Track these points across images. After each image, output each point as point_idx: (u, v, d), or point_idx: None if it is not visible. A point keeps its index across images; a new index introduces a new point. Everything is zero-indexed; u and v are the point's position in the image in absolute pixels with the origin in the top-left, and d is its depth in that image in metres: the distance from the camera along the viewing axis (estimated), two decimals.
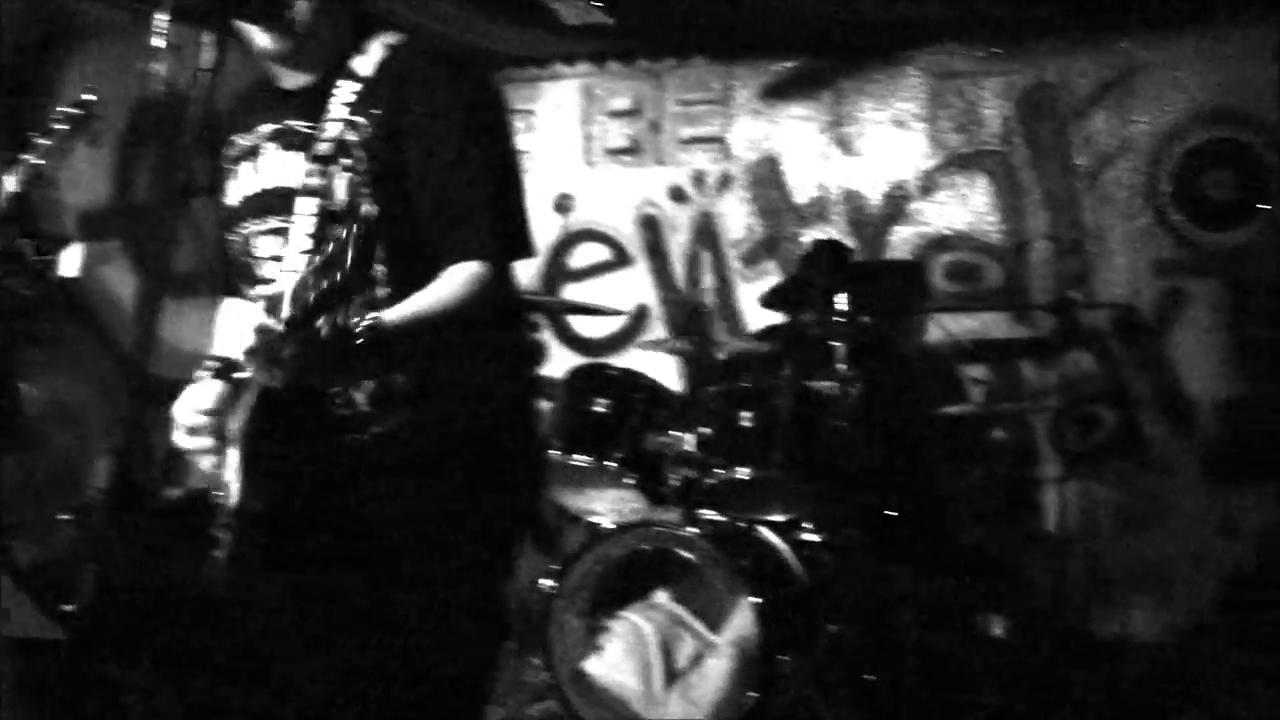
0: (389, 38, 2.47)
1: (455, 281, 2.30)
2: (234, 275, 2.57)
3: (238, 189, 2.51)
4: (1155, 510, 5.76)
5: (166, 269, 2.22)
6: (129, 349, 2.26)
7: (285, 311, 2.00)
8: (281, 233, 2.42)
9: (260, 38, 2.38)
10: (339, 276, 1.87)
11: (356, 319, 1.93)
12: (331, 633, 2.44)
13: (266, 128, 2.48)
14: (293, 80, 2.48)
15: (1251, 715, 4.45)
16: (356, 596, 2.42)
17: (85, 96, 4.09)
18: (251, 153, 2.49)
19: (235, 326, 2.75)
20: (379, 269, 2.32)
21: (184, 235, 2.63)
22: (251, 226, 2.48)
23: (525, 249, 2.47)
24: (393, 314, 2.21)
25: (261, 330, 2.07)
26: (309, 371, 2.13)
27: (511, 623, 5.24)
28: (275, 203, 2.43)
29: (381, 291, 2.30)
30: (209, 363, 2.67)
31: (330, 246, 1.87)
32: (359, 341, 1.96)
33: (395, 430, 2.30)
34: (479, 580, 2.51)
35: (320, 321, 1.92)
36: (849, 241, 6.04)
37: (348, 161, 2.33)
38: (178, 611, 2.70)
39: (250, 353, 2.10)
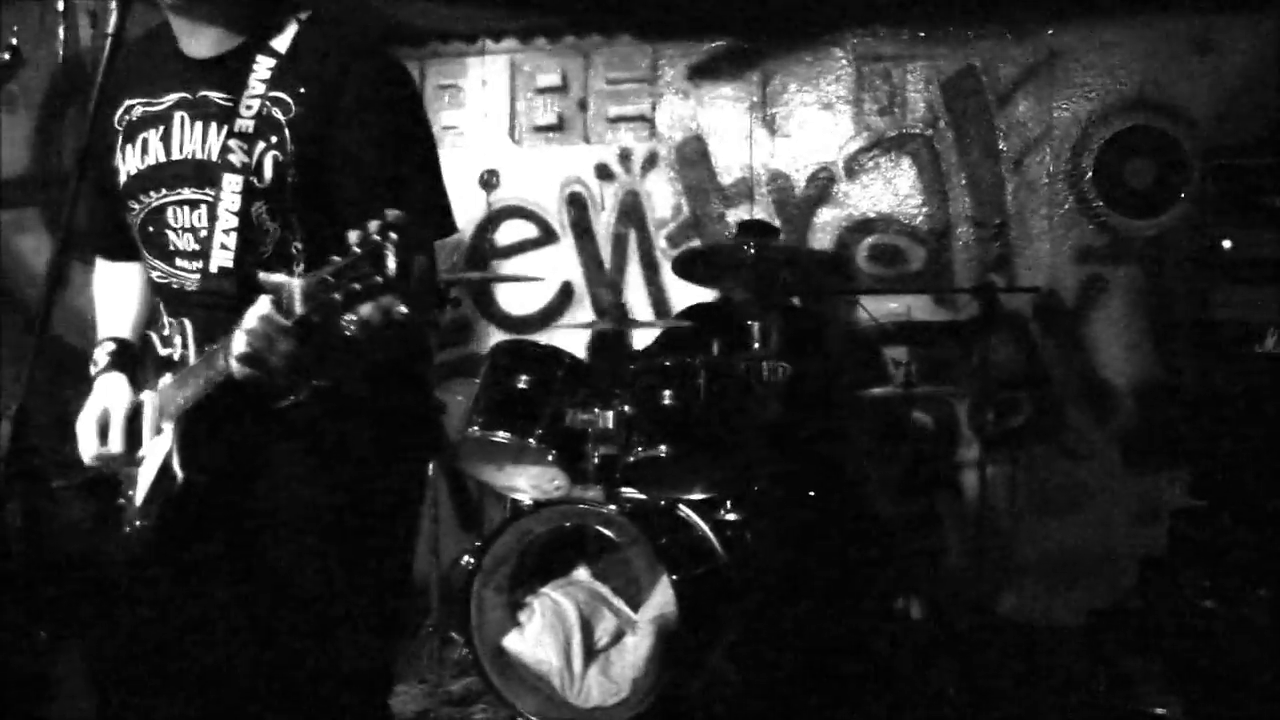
0: (301, 14, 2.44)
1: None
2: (139, 244, 2.51)
3: (140, 156, 2.43)
4: (1073, 494, 5.84)
5: (74, 236, 2.18)
6: (36, 316, 2.22)
7: (298, 308, 1.95)
8: (195, 205, 2.38)
9: None
10: (357, 279, 1.87)
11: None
12: (238, 608, 2.43)
13: (174, 96, 2.42)
14: (202, 49, 2.42)
15: (1164, 697, 4.50)
16: (262, 573, 2.40)
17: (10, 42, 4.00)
18: (157, 120, 2.42)
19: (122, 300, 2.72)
20: (297, 246, 2.34)
21: (90, 203, 2.59)
22: (158, 196, 2.42)
23: (451, 226, 2.46)
24: None
25: (266, 320, 2.02)
26: (309, 369, 2.11)
27: (422, 598, 5.22)
28: (188, 174, 2.38)
29: (298, 268, 2.29)
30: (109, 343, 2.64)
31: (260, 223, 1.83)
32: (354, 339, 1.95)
33: (306, 401, 2.27)
34: (382, 553, 2.50)
35: (335, 321, 1.91)
36: (775, 222, 6.08)
37: (274, 139, 2.32)
38: (87, 583, 2.66)
39: (250, 346, 2.04)
